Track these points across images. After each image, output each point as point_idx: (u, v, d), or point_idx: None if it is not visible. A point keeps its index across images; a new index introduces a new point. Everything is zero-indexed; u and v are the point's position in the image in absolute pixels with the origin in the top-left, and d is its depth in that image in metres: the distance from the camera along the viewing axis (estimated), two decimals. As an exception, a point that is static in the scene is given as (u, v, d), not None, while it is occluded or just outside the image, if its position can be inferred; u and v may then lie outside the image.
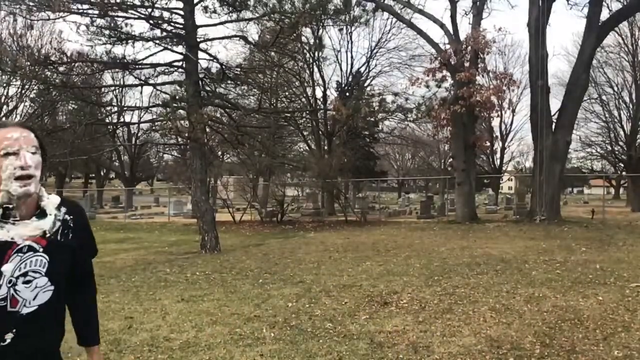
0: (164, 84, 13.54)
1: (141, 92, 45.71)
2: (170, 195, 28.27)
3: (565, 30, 72.24)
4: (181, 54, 11.75)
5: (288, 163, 25.30)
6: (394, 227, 16.27)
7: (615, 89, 31.35)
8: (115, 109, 23.03)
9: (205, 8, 11.48)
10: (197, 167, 11.47)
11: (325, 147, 25.89)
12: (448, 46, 17.60)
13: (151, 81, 13.23)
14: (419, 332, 4.51)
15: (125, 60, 11.95)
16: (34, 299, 1.46)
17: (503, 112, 24.66)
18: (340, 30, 26.23)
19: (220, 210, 21.34)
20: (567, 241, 10.83)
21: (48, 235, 1.50)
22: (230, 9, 11.64)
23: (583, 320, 4.74)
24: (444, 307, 5.35)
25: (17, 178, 1.42)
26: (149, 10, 11.04)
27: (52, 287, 1.50)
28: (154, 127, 18.98)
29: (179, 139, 14.24)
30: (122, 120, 24.74)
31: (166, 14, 11.39)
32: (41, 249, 1.48)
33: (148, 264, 9.13)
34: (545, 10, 16.31)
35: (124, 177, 34.71)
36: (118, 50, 28.70)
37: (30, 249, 1.46)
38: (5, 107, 25.10)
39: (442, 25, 17.91)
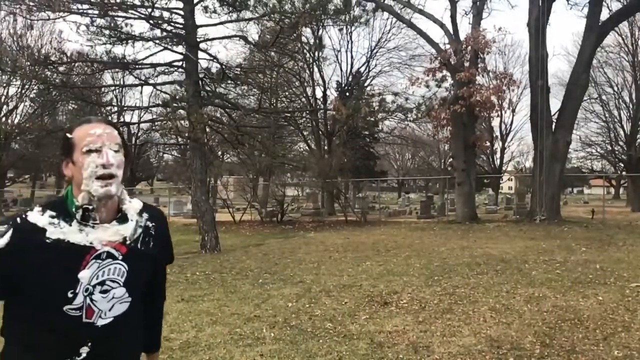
0: (164, 84, 13.56)
1: (141, 92, 45.70)
2: (170, 195, 28.28)
3: (565, 30, 72.26)
4: (181, 54, 11.75)
5: (288, 163, 25.31)
6: (394, 227, 16.27)
7: (615, 89, 31.45)
8: (115, 109, 23.01)
9: (205, 8, 11.49)
10: (197, 167, 11.48)
11: (325, 147, 25.89)
12: (448, 46, 17.60)
13: (151, 81, 13.25)
14: (419, 332, 4.51)
15: (125, 60, 11.96)
16: (110, 310, 1.35)
17: (503, 112, 24.65)
18: (340, 30, 26.31)
19: (220, 210, 21.35)
20: (567, 241, 10.83)
21: (128, 242, 1.39)
22: (230, 9, 11.65)
23: (583, 320, 4.74)
24: (444, 307, 5.35)
25: (99, 177, 1.32)
26: (149, 10, 11.04)
27: (130, 299, 1.39)
28: (154, 127, 19.00)
29: (179, 139, 14.24)
30: (122, 120, 24.72)
31: (166, 14, 11.41)
32: (120, 257, 1.37)
33: (148, 264, 9.12)
34: (545, 10, 16.31)
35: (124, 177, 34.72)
36: (118, 50, 28.62)
37: (109, 255, 1.35)
38: (5, 107, 25.12)
39: (442, 25, 17.91)
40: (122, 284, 1.36)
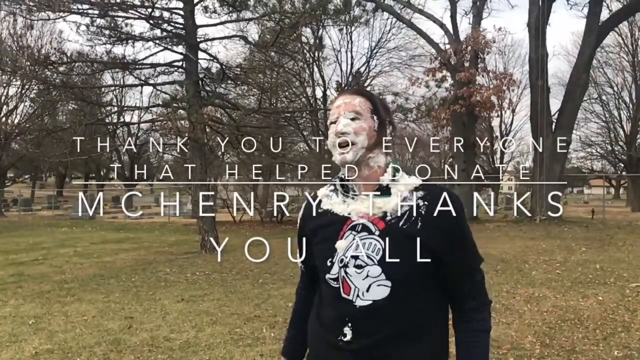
0: (164, 84, 13.54)
1: (141, 92, 45.76)
2: (170, 195, 28.26)
3: (565, 30, 72.33)
4: (181, 54, 11.75)
5: (288, 163, 25.28)
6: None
7: (615, 89, 31.43)
8: (115, 109, 23.02)
9: (205, 8, 11.48)
10: (197, 167, 11.47)
11: (326, 147, 25.88)
12: (448, 46, 17.62)
13: (151, 81, 13.22)
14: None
15: (125, 60, 11.95)
16: (367, 291, 1.27)
17: (503, 112, 24.63)
18: (340, 30, 26.23)
19: (220, 210, 21.34)
20: (567, 241, 10.83)
21: (389, 217, 1.30)
22: (230, 9, 11.64)
23: (583, 320, 4.75)
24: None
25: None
26: (149, 10, 11.03)
27: (389, 283, 1.26)
28: (154, 127, 19.00)
29: (179, 139, 14.24)
30: (122, 120, 24.72)
31: (166, 14, 11.40)
32: (377, 232, 1.29)
33: (148, 264, 9.13)
34: (545, 10, 16.33)
35: (124, 177, 34.73)
36: (118, 50, 28.66)
37: (365, 228, 1.30)
38: (5, 107, 25.12)
39: (442, 25, 17.95)
40: (376, 262, 1.27)
